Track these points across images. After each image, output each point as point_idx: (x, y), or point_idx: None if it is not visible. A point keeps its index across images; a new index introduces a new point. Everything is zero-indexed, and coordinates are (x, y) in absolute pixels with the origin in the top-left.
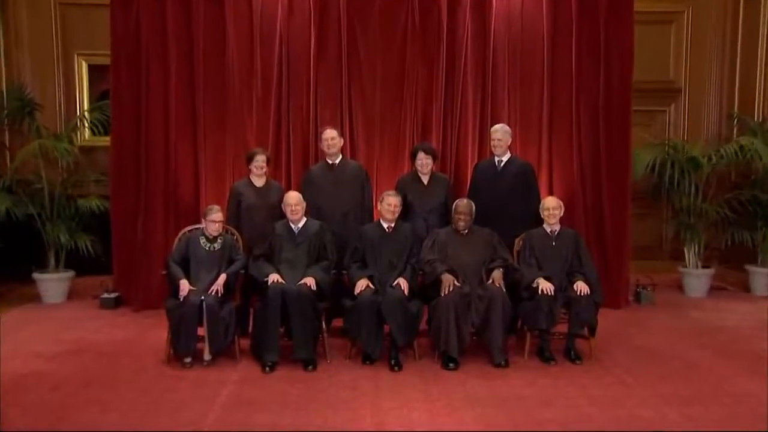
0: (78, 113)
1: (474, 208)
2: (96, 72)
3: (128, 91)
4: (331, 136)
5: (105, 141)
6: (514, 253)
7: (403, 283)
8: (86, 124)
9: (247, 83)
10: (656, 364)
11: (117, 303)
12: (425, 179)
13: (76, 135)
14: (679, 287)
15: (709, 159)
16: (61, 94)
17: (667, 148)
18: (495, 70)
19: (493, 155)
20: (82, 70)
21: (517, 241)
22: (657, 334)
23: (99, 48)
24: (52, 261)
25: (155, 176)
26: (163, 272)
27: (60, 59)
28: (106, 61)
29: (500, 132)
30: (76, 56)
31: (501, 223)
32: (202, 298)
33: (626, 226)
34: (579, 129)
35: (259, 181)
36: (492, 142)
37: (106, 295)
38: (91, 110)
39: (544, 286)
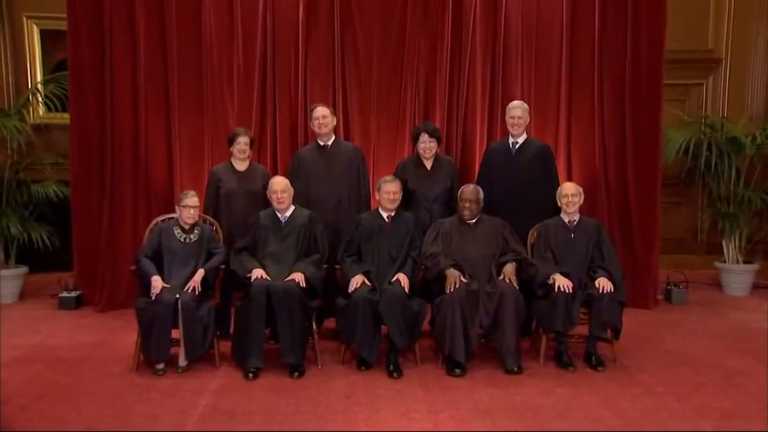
0: (30, 86)
1: (482, 194)
2: (50, 38)
3: (89, 60)
4: (322, 114)
5: (63, 118)
6: (528, 246)
7: (403, 279)
8: (40, 99)
9: (226, 53)
10: (690, 371)
11: (78, 303)
12: (428, 164)
13: (28, 111)
14: (717, 285)
15: (753, 139)
16: (8, 64)
17: (703, 127)
18: (507, 40)
19: (506, 136)
20: (33, 36)
21: (531, 232)
22: (691, 337)
23: (52, 10)
24: (2, 255)
25: (122, 159)
26: (132, 267)
27: (5, 22)
28: (63, 25)
29: (520, 109)
30: (25, 19)
31: (515, 213)
32: (177, 296)
33: (655, 215)
34: (602, 106)
35: (241, 165)
36: (509, 121)
37: (65, 294)
38: (45, 83)
39: (562, 282)
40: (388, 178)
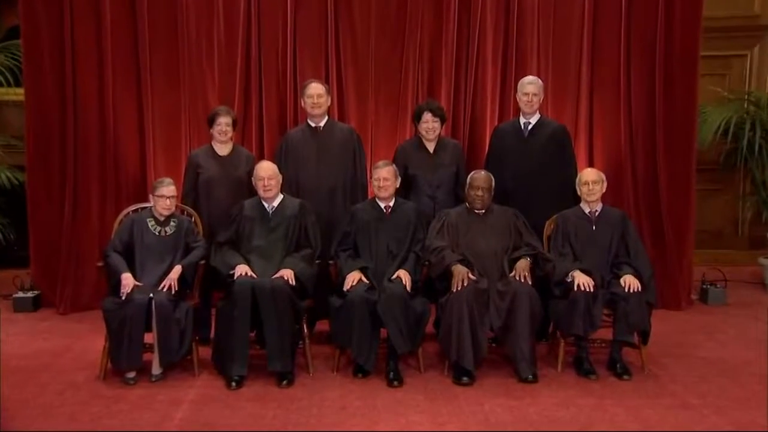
0: None
1: (493, 182)
2: None
3: (47, 27)
4: (317, 92)
5: (16, 94)
6: (544, 239)
7: (404, 276)
8: None
9: (206, 19)
10: (729, 382)
11: (36, 304)
12: (431, 147)
13: None
14: (760, 284)
15: None
16: None
17: (746, 105)
18: (521, 7)
19: (517, 116)
20: None
21: (547, 224)
22: (730, 343)
23: None
24: None
25: (87, 141)
26: (99, 264)
27: None
28: None
29: (534, 86)
30: None
31: (529, 202)
32: (151, 295)
33: (689, 205)
34: (629, 81)
35: (222, 149)
36: (522, 99)
37: (21, 294)
38: None
39: (582, 280)
40: (380, 163)
